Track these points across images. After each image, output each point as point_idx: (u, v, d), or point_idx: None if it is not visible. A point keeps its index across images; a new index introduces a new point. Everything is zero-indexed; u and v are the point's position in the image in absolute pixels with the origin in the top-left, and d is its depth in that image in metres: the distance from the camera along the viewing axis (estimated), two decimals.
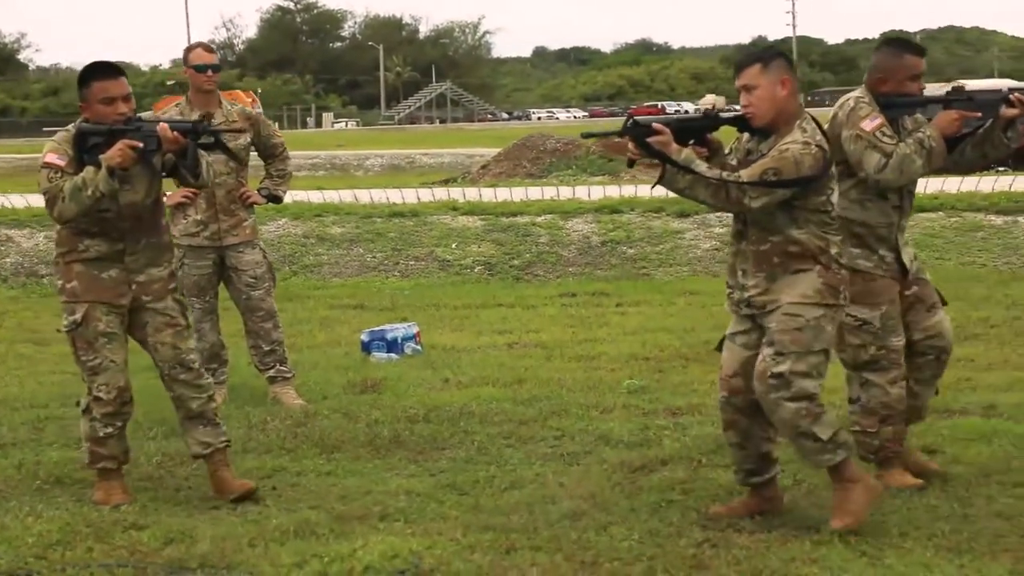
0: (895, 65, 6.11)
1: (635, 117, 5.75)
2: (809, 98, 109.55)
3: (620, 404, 8.12)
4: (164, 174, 6.34)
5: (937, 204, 15.48)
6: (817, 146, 5.45)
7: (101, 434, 6.30)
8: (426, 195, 19.16)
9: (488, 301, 13.13)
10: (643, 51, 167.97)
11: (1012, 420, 7.32)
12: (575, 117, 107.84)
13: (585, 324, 11.51)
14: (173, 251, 6.78)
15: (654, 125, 5.58)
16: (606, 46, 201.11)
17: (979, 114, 6.17)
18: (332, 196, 18.90)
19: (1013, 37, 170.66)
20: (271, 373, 8.59)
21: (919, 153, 5.89)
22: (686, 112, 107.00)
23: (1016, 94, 6.06)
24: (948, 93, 6.31)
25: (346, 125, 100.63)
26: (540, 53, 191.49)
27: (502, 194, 18.76)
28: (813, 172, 5.41)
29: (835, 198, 5.58)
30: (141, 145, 6.10)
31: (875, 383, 6.10)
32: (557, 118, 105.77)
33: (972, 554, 5.22)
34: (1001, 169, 21.00)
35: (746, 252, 5.64)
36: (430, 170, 37.25)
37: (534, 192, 18.96)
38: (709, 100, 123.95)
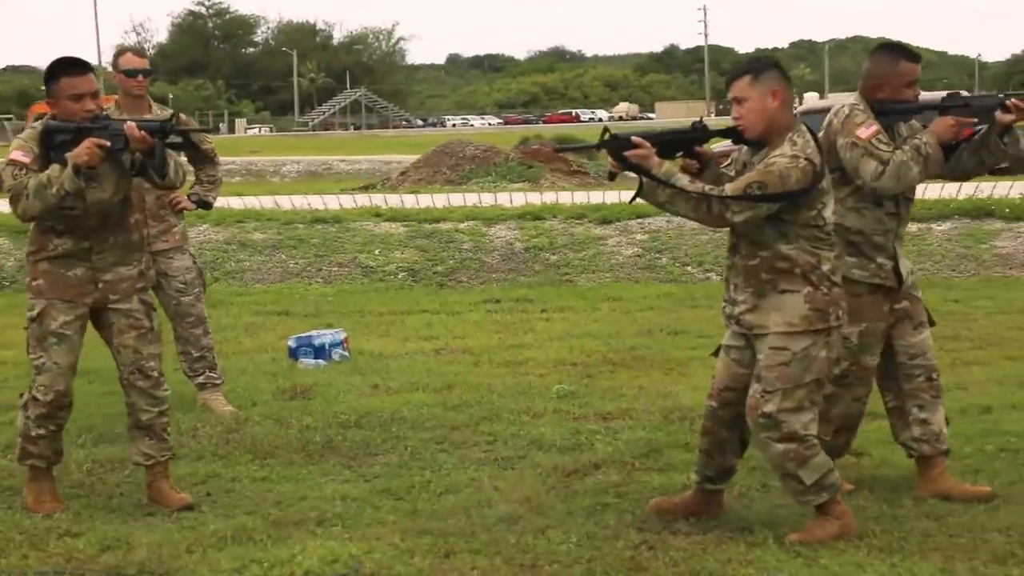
0: (890, 71, 6.05)
1: (611, 130, 5.69)
2: (720, 107, 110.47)
3: (550, 409, 8.14)
4: (134, 173, 6.28)
5: None
6: (807, 160, 5.36)
7: (33, 433, 6.26)
8: (348, 201, 19.10)
9: (413, 307, 13.10)
10: (557, 59, 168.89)
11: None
12: (490, 124, 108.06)
13: (511, 330, 11.52)
14: (143, 250, 6.68)
15: (632, 138, 5.53)
16: (520, 53, 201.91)
17: (976, 120, 6.09)
18: (253, 202, 18.80)
19: (918, 48, 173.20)
20: (200, 379, 8.55)
21: (916, 160, 5.81)
22: (600, 120, 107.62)
23: (1013, 99, 6.01)
24: (944, 99, 6.19)
25: (260, 131, 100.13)
26: (454, 60, 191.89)
27: (424, 200, 18.73)
28: (800, 186, 5.34)
29: (827, 212, 5.50)
30: (108, 143, 6.03)
31: (840, 396, 6.05)
32: (472, 125, 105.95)
33: (903, 553, 5.31)
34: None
35: (737, 266, 5.59)
36: (347, 176, 37.13)
37: (455, 199, 18.96)
38: (623, 108, 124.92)
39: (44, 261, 6.24)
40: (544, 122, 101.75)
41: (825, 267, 5.45)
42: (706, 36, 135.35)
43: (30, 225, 6.31)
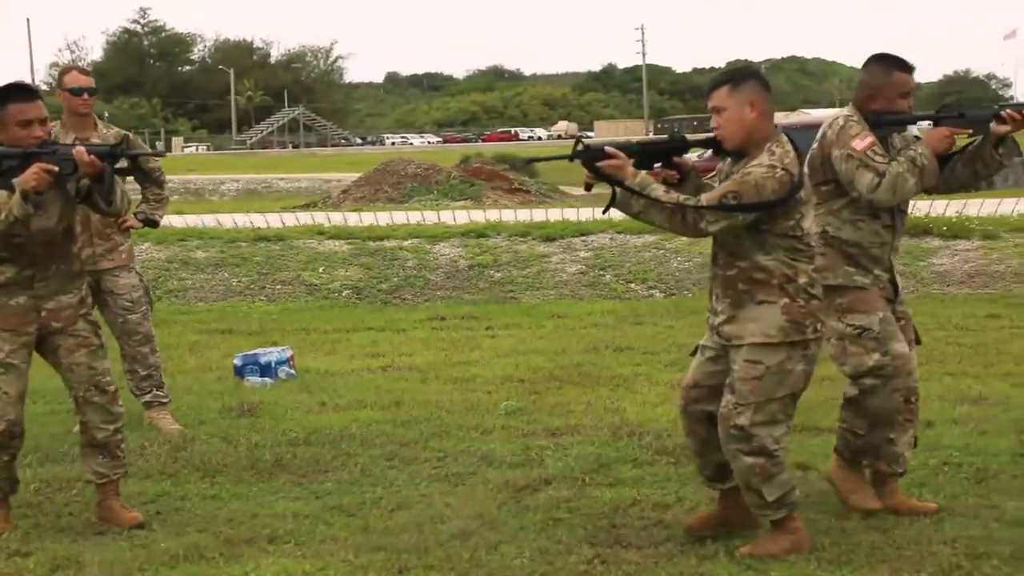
0: (884, 82, 5.95)
1: (584, 141, 5.67)
2: (658, 126, 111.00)
3: (499, 425, 8.15)
4: (79, 200, 6.22)
5: None
6: (784, 169, 5.30)
7: None
8: (290, 219, 19.09)
9: (358, 325, 13.08)
10: (495, 77, 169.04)
11: None
12: (429, 142, 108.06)
13: (457, 347, 11.52)
14: (84, 277, 6.60)
15: (606, 149, 5.50)
16: (458, 72, 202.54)
17: (970, 131, 6.04)
18: (194, 220, 18.73)
19: (852, 68, 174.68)
20: (147, 398, 8.49)
21: (912, 172, 5.73)
22: (539, 138, 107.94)
23: (1008, 111, 5.94)
24: (938, 110, 6.14)
25: (196, 149, 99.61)
26: (393, 79, 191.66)
27: (367, 218, 18.75)
28: (777, 197, 5.29)
29: (806, 223, 5.43)
30: (57, 169, 5.96)
31: (878, 389, 5.90)
32: (411, 143, 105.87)
33: (852, 566, 5.35)
34: None
35: (717, 276, 5.57)
36: (287, 194, 37.06)
37: (399, 216, 18.98)
38: (562, 126, 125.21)
39: None
40: (483, 140, 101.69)
41: (802, 279, 5.40)
42: (644, 55, 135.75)
43: None
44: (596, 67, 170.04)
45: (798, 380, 5.44)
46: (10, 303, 6.16)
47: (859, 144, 5.74)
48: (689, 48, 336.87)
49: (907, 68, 5.98)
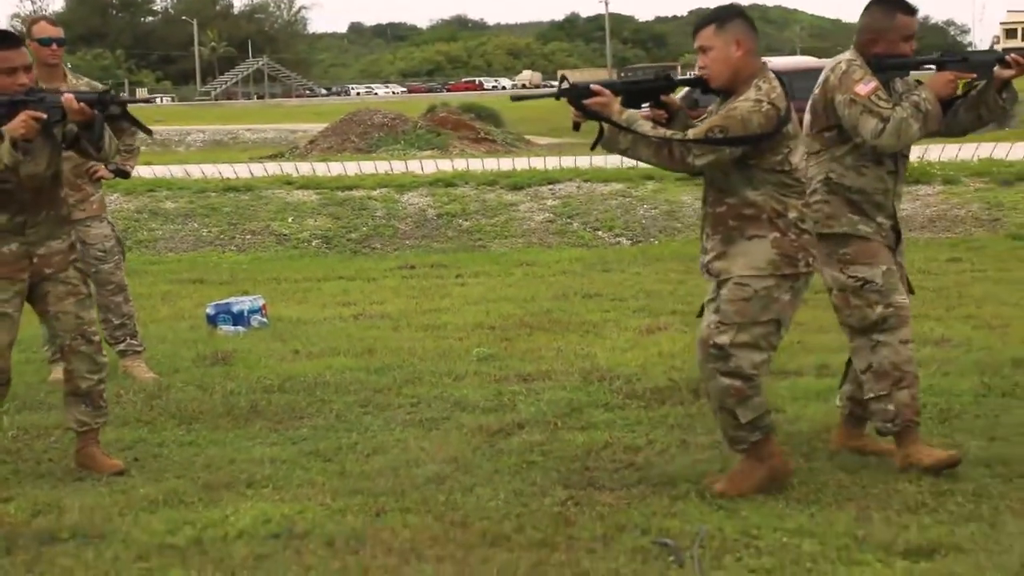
0: (887, 26, 5.76)
1: (569, 80, 5.61)
2: (621, 74, 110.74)
3: (471, 371, 8.18)
4: (65, 146, 6.20)
5: None
6: (770, 104, 5.27)
7: None
8: (258, 170, 19.02)
9: (329, 274, 13.10)
10: (459, 27, 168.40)
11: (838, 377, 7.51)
12: (394, 93, 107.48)
13: (427, 295, 11.55)
14: (72, 223, 6.62)
15: (592, 87, 5.46)
16: (422, 22, 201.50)
17: (974, 76, 5.87)
18: (163, 171, 18.64)
19: (813, 16, 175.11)
20: (122, 347, 8.50)
21: (916, 117, 5.56)
22: (503, 88, 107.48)
23: (1013, 55, 5.81)
24: (942, 54, 5.95)
25: (161, 100, 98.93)
26: (356, 29, 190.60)
27: (335, 168, 18.68)
28: (763, 131, 5.26)
29: (794, 158, 5.39)
30: (45, 116, 5.93)
31: (886, 343, 5.75)
32: (376, 94, 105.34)
33: (819, 504, 5.40)
34: None
35: (708, 215, 5.55)
36: (254, 145, 36.81)
37: (366, 166, 18.94)
38: (526, 76, 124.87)
39: None
40: (448, 90, 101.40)
41: (792, 214, 5.38)
42: (607, 4, 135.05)
43: None
44: (559, 16, 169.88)
45: (784, 309, 5.42)
46: (2, 250, 6.13)
47: (863, 89, 5.59)
48: None
49: (910, 10, 5.83)
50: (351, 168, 18.59)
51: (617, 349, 8.74)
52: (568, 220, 15.31)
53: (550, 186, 16.13)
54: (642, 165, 17.09)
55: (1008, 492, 5.49)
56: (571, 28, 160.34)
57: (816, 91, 5.78)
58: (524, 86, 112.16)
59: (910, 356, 5.81)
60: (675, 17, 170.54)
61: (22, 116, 5.89)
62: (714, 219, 5.50)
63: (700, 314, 5.73)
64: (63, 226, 6.34)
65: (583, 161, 18.37)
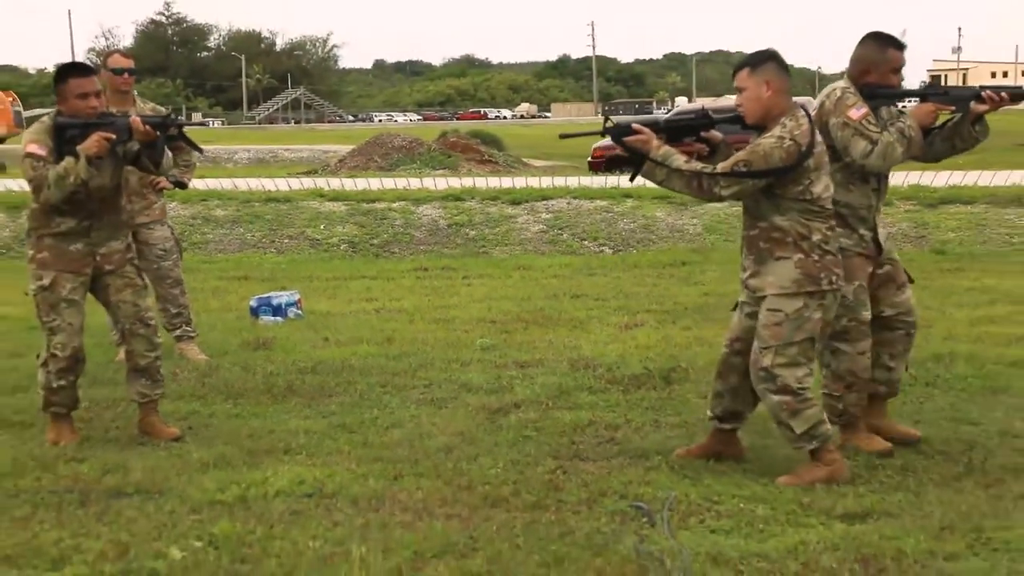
0: (879, 58, 5.63)
1: (612, 119, 5.49)
2: (604, 107, 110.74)
3: (476, 359, 8.17)
4: (127, 162, 6.22)
5: None
6: (792, 140, 5.11)
7: (55, 385, 6.18)
8: (295, 184, 18.96)
9: (354, 274, 13.08)
10: (468, 65, 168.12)
11: None
12: (411, 120, 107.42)
13: (438, 293, 11.54)
14: (130, 226, 6.65)
15: (633, 126, 5.34)
16: (436, 60, 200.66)
17: (953, 108, 5.76)
18: (214, 184, 18.59)
19: None
20: (178, 332, 8.51)
21: (901, 141, 5.46)
22: (504, 117, 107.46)
23: (988, 91, 5.70)
24: (926, 87, 5.89)
25: (213, 124, 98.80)
26: (380, 65, 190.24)
27: (360, 184, 18.63)
28: (784, 164, 5.11)
29: (816, 188, 5.20)
30: (114, 136, 5.98)
31: (844, 351, 5.64)
32: (396, 121, 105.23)
33: (771, 476, 5.40)
34: None
35: (744, 237, 5.41)
36: (292, 163, 36.74)
37: (388, 182, 18.87)
38: (523, 108, 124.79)
39: (48, 237, 6.15)
40: (457, 119, 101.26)
41: (816, 237, 5.21)
42: (594, 48, 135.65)
43: (27, 201, 6.24)
44: (553, 57, 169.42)
45: (815, 327, 5.25)
46: (70, 249, 6.16)
47: (855, 114, 5.48)
48: (632, 41, 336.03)
49: (900, 46, 5.71)
50: (374, 184, 18.56)
51: (600, 342, 8.75)
52: (559, 231, 15.30)
53: (544, 202, 16.12)
54: (623, 184, 17.16)
55: (930, 467, 5.52)
56: (563, 67, 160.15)
57: (812, 114, 5.53)
58: (523, 116, 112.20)
59: (865, 365, 5.69)
60: (651, 60, 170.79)
61: (95, 137, 5.94)
62: (748, 241, 5.37)
63: (734, 308, 5.62)
64: (122, 229, 6.38)
65: (572, 181, 18.38)
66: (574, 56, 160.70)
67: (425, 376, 7.68)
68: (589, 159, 24.46)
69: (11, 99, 52.98)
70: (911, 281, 5.94)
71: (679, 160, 5.25)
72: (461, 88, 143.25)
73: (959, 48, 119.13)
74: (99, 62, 8.90)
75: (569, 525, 4.80)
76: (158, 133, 6.06)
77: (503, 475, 5.49)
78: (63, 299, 6.16)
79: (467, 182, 18.66)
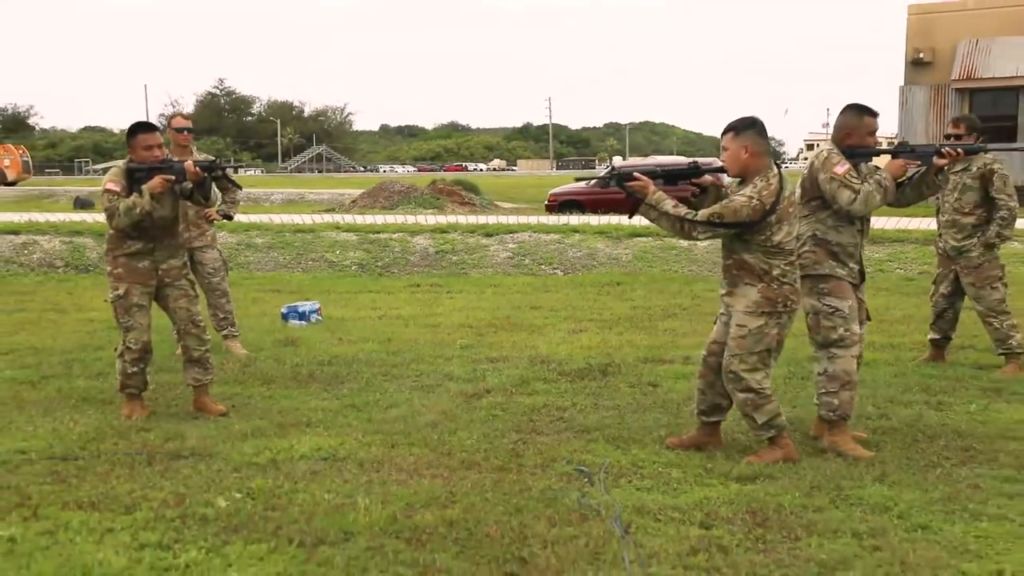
0: (858, 124, 5.42)
1: (617, 167, 5.30)
2: (559, 166, 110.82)
3: (456, 355, 8.16)
4: (183, 197, 6.23)
5: (648, 232, 15.79)
6: (759, 200, 4.97)
7: (129, 371, 6.18)
8: (318, 219, 18.91)
9: (362, 289, 13.01)
10: (453, 129, 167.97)
11: (699, 365, 7.47)
12: (408, 171, 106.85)
13: (427, 304, 11.50)
14: (185, 248, 6.64)
15: (634, 173, 5.20)
16: (429, 124, 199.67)
17: (919, 163, 5.60)
18: (255, 218, 18.51)
19: (686, 130, 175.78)
20: (224, 332, 8.46)
21: (878, 190, 5.27)
22: (480, 170, 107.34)
23: (946, 149, 5.59)
24: (896, 146, 5.65)
25: (255, 172, 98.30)
26: (384, 128, 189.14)
27: (368, 219, 18.60)
28: (749, 219, 4.97)
29: (777, 236, 5.04)
30: (173, 178, 6.01)
31: (839, 356, 5.35)
32: (396, 171, 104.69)
33: (683, 446, 5.41)
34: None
35: (723, 264, 5.25)
36: (316, 203, 36.49)
37: (390, 218, 18.85)
38: (495, 163, 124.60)
39: (121, 256, 6.15)
40: (444, 170, 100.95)
41: (775, 272, 5.06)
42: (551, 117, 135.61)
43: (108, 229, 6.22)
44: (519, 124, 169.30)
45: (772, 340, 5.12)
46: (139, 266, 6.17)
47: (840, 169, 5.27)
48: (580, 112, 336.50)
49: (874, 114, 5.47)
50: (379, 219, 18.53)
51: (553, 343, 8.76)
52: (522, 257, 15.30)
53: (511, 235, 16.10)
54: (572, 221, 17.18)
55: (804, 442, 5.53)
56: (526, 132, 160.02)
57: (805, 173, 5.43)
58: (495, 169, 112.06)
59: (855, 368, 5.42)
60: (595, 127, 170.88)
61: (157, 178, 5.99)
62: (725, 268, 5.23)
63: (715, 322, 5.41)
64: (179, 251, 6.37)
65: (533, 219, 18.38)
66: (535, 123, 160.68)
67: (417, 368, 7.66)
68: (546, 203, 24.46)
69: (20, 151, 53.07)
70: (868, 318, 5.71)
71: (669, 205, 5.12)
72: (447, 147, 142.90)
73: (827, 124, 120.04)
74: (165, 123, 8.88)
75: (527, 483, 4.81)
76: (206, 175, 6.06)
77: (476, 445, 5.50)
78: (134, 304, 6.16)
79: (451, 219, 18.66)
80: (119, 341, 6.28)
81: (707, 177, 5.34)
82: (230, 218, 8.76)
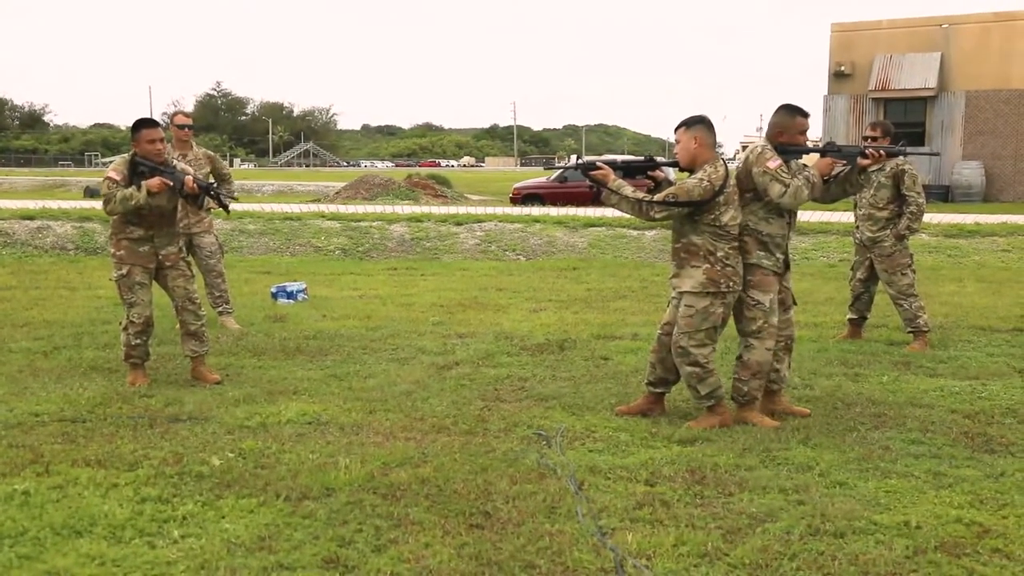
0: (790, 123, 5.27)
1: (584, 158, 5.28)
2: (522, 163, 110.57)
3: (429, 331, 8.12)
4: (181, 195, 6.13)
5: (601, 223, 15.83)
6: (708, 182, 4.95)
7: (133, 343, 6.11)
8: (305, 208, 18.73)
9: (345, 271, 12.91)
10: (427, 129, 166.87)
11: (645, 341, 7.48)
12: (387, 166, 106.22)
13: (403, 285, 11.44)
14: (182, 236, 6.59)
15: (596, 163, 5.20)
16: (406, 124, 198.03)
17: (844, 162, 5.45)
18: (247, 207, 18.31)
19: (635, 131, 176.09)
20: (220, 309, 8.37)
21: (806, 186, 5.16)
22: (452, 166, 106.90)
23: (870, 150, 5.44)
24: (824, 146, 5.49)
25: (250, 165, 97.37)
26: (366, 127, 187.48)
27: (351, 209, 18.45)
28: (701, 199, 4.96)
29: (724, 218, 5.01)
30: (171, 184, 5.96)
31: (755, 346, 5.25)
32: (376, 166, 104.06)
33: (631, 413, 5.42)
34: None
35: (671, 247, 5.22)
36: (304, 194, 36.30)
37: (370, 208, 18.73)
38: (465, 160, 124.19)
39: (124, 240, 6.09)
40: (420, 166, 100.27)
41: (719, 253, 5.04)
42: (515, 118, 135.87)
43: (115, 216, 6.13)
44: (487, 124, 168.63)
45: (717, 318, 5.09)
46: (140, 249, 6.11)
47: (772, 164, 5.15)
48: (541, 114, 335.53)
49: (805, 114, 5.34)
50: (360, 209, 18.39)
51: (515, 321, 8.75)
52: (489, 244, 15.26)
53: (479, 224, 16.05)
54: (534, 212, 17.14)
55: (736, 410, 5.52)
56: (493, 132, 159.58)
57: (740, 166, 5.29)
58: (465, 165, 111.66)
59: (769, 359, 5.28)
60: (554, 128, 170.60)
61: (157, 179, 5.95)
62: (673, 251, 5.20)
63: (668, 305, 5.37)
64: (176, 238, 6.30)
65: (498, 210, 18.35)
66: (501, 124, 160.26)
67: (393, 342, 7.62)
68: (510, 196, 24.43)
69: None
70: (795, 303, 5.54)
71: (628, 190, 5.10)
72: (422, 144, 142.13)
73: (760, 128, 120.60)
74: (167, 120, 8.76)
75: (492, 445, 4.80)
76: (201, 192, 6.06)
77: (446, 411, 5.48)
78: (136, 283, 6.10)
79: (425, 209, 18.56)
80: (123, 316, 6.19)
81: (659, 172, 5.35)
82: (226, 208, 8.60)
